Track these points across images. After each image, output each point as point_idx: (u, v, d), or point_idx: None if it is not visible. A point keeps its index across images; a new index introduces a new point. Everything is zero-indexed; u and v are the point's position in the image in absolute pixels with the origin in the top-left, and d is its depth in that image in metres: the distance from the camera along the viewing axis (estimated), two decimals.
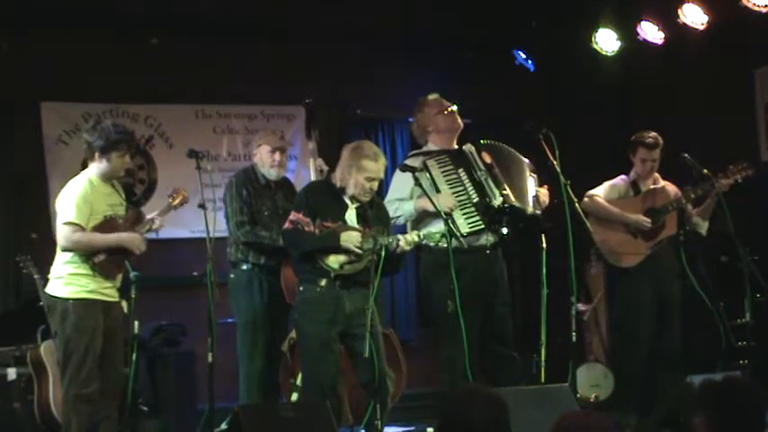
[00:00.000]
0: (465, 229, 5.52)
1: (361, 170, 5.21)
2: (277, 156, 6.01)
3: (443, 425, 3.15)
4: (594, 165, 6.73)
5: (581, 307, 6.83)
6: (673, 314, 6.23)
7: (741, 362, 6.08)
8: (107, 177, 5.30)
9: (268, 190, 6.03)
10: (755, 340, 5.89)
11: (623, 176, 6.37)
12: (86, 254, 5.13)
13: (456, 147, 5.86)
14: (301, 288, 5.28)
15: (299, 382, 5.84)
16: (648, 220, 6.14)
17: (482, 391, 3.31)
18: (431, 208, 5.42)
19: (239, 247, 5.96)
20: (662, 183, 6.34)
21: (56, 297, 5.17)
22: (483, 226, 5.59)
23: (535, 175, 5.80)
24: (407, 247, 5.17)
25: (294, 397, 5.87)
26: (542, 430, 4.67)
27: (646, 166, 6.27)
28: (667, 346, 6.21)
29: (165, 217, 5.42)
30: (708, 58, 7.26)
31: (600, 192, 6.31)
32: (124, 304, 5.20)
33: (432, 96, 5.94)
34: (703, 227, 6.25)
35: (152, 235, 5.44)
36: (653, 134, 6.24)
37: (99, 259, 5.14)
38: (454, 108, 5.89)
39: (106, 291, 5.19)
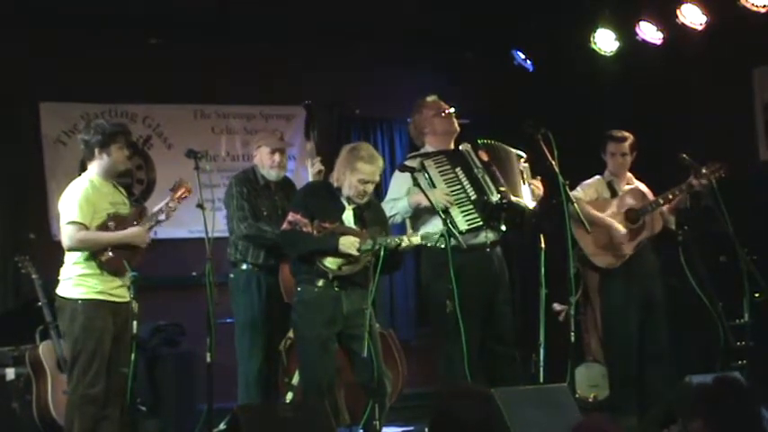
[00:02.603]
0: (463, 227, 5.52)
1: (355, 172, 5.21)
2: (277, 157, 6.01)
3: (435, 424, 3.14)
4: (593, 165, 6.73)
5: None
6: (657, 313, 6.24)
7: (740, 362, 6.07)
8: (109, 173, 5.31)
9: (267, 191, 6.03)
10: (754, 340, 5.90)
11: (597, 176, 6.38)
12: (93, 252, 5.13)
13: (453, 147, 5.86)
14: (299, 289, 5.29)
15: (294, 381, 5.84)
16: (624, 231, 6.14)
17: (472, 389, 3.31)
18: (425, 203, 5.42)
19: (238, 248, 5.96)
20: (635, 183, 6.36)
21: (65, 298, 5.19)
22: (481, 223, 5.60)
23: (527, 165, 5.81)
24: (409, 248, 5.19)
25: (289, 396, 5.87)
26: (541, 430, 4.69)
27: (615, 159, 6.29)
28: (654, 345, 6.22)
29: (174, 204, 5.38)
30: (706, 58, 7.26)
31: (579, 193, 6.30)
32: (135, 305, 5.19)
33: (430, 98, 5.93)
34: (671, 221, 6.26)
35: (150, 234, 5.43)
36: (623, 131, 6.27)
37: (106, 257, 5.14)
38: (452, 110, 5.89)
39: (115, 291, 5.19)
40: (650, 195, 6.26)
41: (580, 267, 6.85)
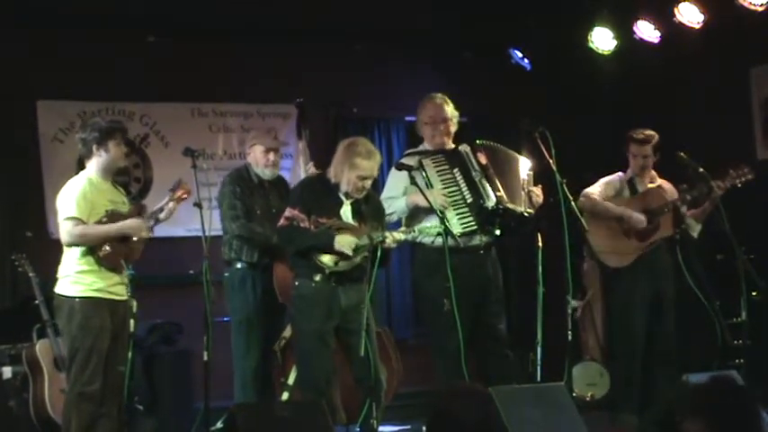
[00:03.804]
0: (457, 230, 5.48)
1: (353, 168, 5.19)
2: (271, 156, 6.01)
3: (433, 423, 3.14)
4: (592, 163, 6.74)
5: (574, 304, 6.83)
6: (667, 312, 6.20)
7: (737, 360, 6.07)
8: (108, 170, 5.30)
9: (261, 189, 6.02)
10: (751, 339, 5.90)
11: (620, 173, 6.35)
12: (91, 248, 5.13)
13: (452, 146, 5.85)
14: (297, 283, 5.29)
15: (290, 381, 5.84)
16: (645, 219, 6.12)
17: (470, 388, 3.30)
18: (422, 203, 5.41)
19: (233, 246, 5.95)
20: (659, 181, 6.32)
21: (63, 296, 5.17)
22: (476, 227, 5.57)
23: (531, 173, 5.79)
24: (393, 245, 5.19)
25: (285, 396, 5.87)
26: (538, 429, 4.70)
27: (637, 161, 6.24)
28: (662, 345, 6.19)
29: (173, 204, 5.38)
30: (704, 57, 7.27)
31: (596, 189, 6.27)
32: (134, 303, 5.19)
33: (435, 101, 5.79)
34: (695, 229, 6.21)
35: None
36: (647, 131, 6.22)
37: (104, 252, 5.13)
38: (451, 124, 5.79)
39: (113, 288, 5.18)
40: (674, 194, 6.19)
41: (588, 264, 6.86)
